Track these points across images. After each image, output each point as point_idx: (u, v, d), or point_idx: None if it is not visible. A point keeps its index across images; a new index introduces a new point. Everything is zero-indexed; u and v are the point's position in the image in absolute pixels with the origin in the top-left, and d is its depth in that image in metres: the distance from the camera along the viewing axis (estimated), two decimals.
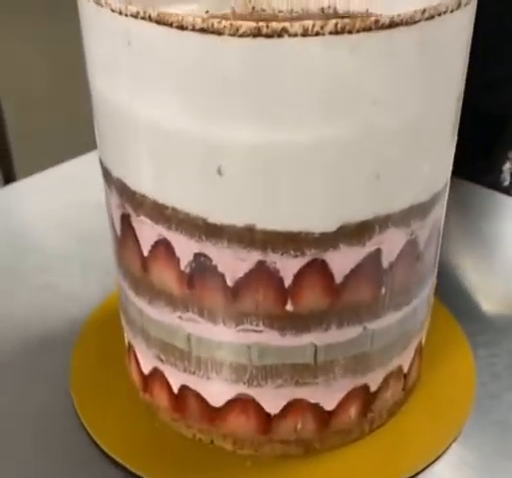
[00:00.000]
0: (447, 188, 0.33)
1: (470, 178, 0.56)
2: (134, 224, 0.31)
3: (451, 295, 0.45)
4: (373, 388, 0.34)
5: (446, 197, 0.33)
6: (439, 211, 0.33)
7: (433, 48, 0.26)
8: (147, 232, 0.30)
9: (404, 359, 0.35)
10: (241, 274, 0.29)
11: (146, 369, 0.35)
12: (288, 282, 0.30)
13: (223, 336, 0.31)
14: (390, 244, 0.30)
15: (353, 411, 0.34)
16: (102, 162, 0.32)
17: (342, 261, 0.30)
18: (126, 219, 0.31)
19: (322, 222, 0.28)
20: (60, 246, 0.49)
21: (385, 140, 0.27)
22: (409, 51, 0.25)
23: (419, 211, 0.31)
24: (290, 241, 0.29)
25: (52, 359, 0.40)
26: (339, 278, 0.30)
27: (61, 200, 0.54)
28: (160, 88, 0.26)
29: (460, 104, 0.30)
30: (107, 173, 0.32)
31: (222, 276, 0.30)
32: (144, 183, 0.29)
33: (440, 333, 0.41)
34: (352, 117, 0.26)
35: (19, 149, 0.76)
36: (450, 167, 0.33)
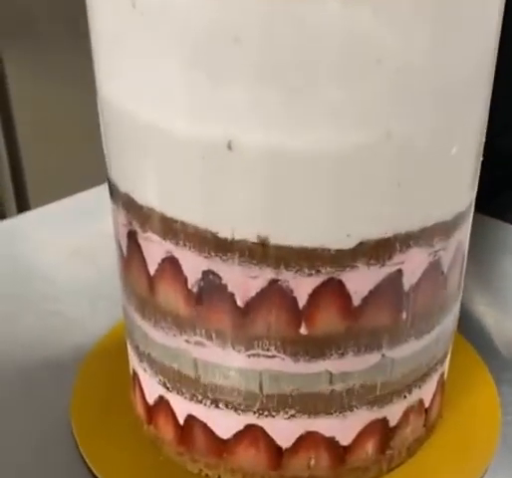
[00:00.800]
0: (472, 210, 0.31)
1: (494, 215, 0.54)
2: (141, 241, 0.29)
3: (475, 331, 0.43)
4: (392, 423, 0.32)
5: (471, 220, 0.32)
6: (463, 233, 0.31)
7: (467, 16, 0.24)
8: (154, 249, 0.29)
9: (426, 393, 0.33)
10: (253, 293, 0.28)
11: (151, 399, 0.33)
12: (302, 303, 0.28)
13: (232, 361, 0.29)
14: (412, 265, 0.28)
15: (370, 447, 0.32)
16: (109, 179, 0.31)
17: (360, 281, 0.28)
18: (132, 236, 0.30)
19: (338, 238, 0.27)
20: (70, 275, 0.48)
21: (407, 140, 0.25)
22: (438, 18, 0.24)
23: (442, 231, 0.29)
24: (304, 258, 0.27)
25: (54, 389, 0.38)
26: (356, 300, 0.28)
27: (73, 230, 0.53)
28: (167, 55, 0.24)
29: (489, 95, 0.28)
30: (114, 189, 0.30)
31: (232, 296, 0.28)
32: (152, 196, 0.28)
33: (463, 368, 0.39)
34: (370, 84, 0.24)
35: (34, 180, 0.76)
36: (475, 187, 0.31)
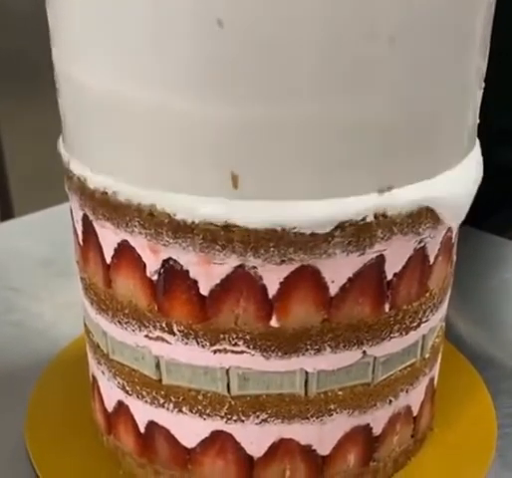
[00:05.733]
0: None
1: (496, 232, 0.52)
2: (97, 227, 0.27)
3: (469, 342, 0.41)
4: (376, 431, 0.29)
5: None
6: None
7: None
8: (110, 235, 0.26)
9: (414, 399, 0.30)
10: (217, 280, 0.25)
11: (110, 405, 0.30)
12: (273, 291, 0.25)
13: (196, 358, 0.26)
14: (396, 251, 0.26)
15: (352, 458, 0.29)
16: (64, 162, 0.28)
17: (337, 269, 0.25)
18: (87, 222, 0.27)
19: (313, 219, 0.24)
20: (36, 285, 0.46)
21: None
22: None
23: (428, 218, 0.26)
24: (273, 243, 0.24)
25: (10, 400, 0.35)
26: (334, 288, 0.25)
27: (49, 240, 0.51)
28: None
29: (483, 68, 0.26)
30: (68, 173, 0.28)
31: (195, 283, 0.25)
32: (104, 176, 0.25)
33: (456, 378, 0.36)
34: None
35: (18, 190, 0.75)
36: None
